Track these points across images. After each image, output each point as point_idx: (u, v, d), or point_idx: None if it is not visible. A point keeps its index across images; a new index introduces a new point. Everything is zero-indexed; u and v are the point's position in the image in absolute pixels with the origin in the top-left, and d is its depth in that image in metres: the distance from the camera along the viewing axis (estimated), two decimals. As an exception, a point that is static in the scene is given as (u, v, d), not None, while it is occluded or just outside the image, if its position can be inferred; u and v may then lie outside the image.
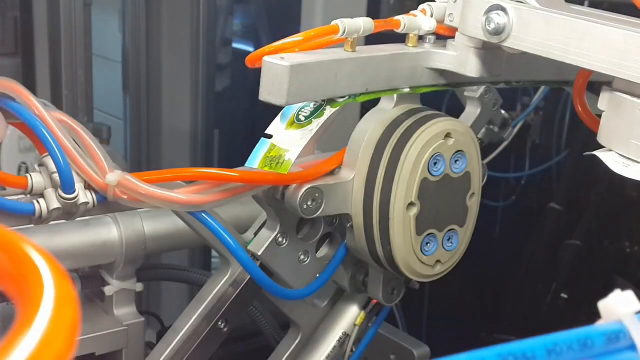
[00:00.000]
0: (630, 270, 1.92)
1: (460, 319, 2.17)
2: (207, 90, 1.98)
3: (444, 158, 0.80)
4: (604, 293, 0.38)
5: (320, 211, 0.78)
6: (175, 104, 2.01)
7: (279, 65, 0.66)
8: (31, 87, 1.62)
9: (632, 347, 0.37)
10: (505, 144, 1.75)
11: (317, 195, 0.78)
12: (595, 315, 0.39)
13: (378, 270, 0.87)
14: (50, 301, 0.29)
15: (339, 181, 0.80)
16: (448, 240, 0.84)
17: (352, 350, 0.96)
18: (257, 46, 2.12)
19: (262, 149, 0.70)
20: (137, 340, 1.02)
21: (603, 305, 0.38)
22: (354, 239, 0.83)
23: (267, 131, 0.72)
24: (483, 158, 0.85)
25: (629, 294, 0.38)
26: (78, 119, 0.91)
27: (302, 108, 0.72)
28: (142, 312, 1.06)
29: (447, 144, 0.80)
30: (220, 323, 0.90)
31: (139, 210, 0.98)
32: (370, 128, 0.80)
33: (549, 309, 2.04)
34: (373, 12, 1.94)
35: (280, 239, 0.83)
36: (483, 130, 0.97)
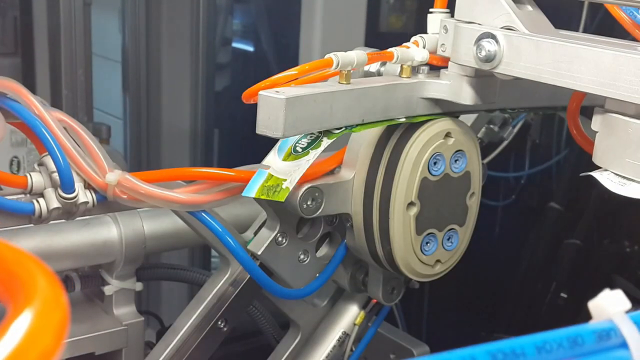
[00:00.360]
0: (630, 270, 1.93)
1: (460, 318, 2.18)
2: (206, 90, 1.98)
3: (443, 157, 0.80)
4: (604, 293, 0.39)
5: (320, 210, 0.78)
6: (175, 103, 2.01)
7: (274, 99, 0.67)
8: (31, 86, 1.62)
9: (623, 345, 0.37)
10: (505, 143, 1.75)
11: (316, 194, 0.78)
12: (594, 315, 0.39)
13: (377, 269, 0.87)
14: (37, 304, 0.28)
15: (338, 180, 0.80)
16: (448, 239, 0.84)
17: (351, 350, 0.96)
18: (257, 46, 2.12)
19: (259, 179, 0.71)
20: (136, 339, 1.02)
21: (593, 304, 0.38)
22: (354, 239, 0.83)
23: (264, 162, 0.73)
24: (483, 157, 0.85)
25: (618, 292, 0.38)
26: (78, 118, 0.91)
27: (298, 140, 0.73)
28: (141, 311, 1.06)
29: (446, 143, 0.80)
30: (219, 322, 0.90)
31: (138, 210, 0.98)
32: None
33: (548, 308, 2.04)
34: (373, 12, 1.95)
35: (279, 239, 0.83)
36: (483, 129, 0.97)
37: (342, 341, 0.96)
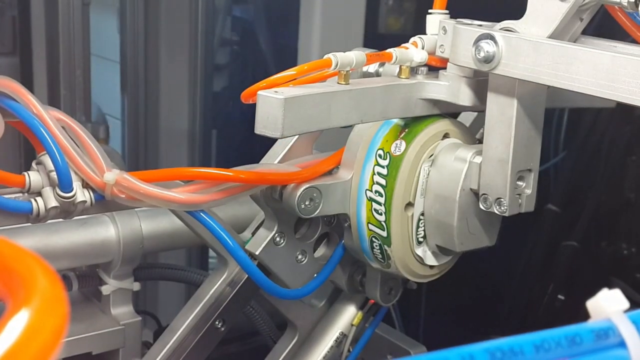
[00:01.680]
0: (627, 272, 1.92)
1: (457, 320, 2.17)
2: (204, 90, 1.98)
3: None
4: (602, 295, 0.39)
5: (318, 211, 0.79)
6: (173, 103, 2.01)
7: (273, 99, 0.67)
8: (29, 86, 1.61)
9: (621, 344, 0.38)
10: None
11: (314, 195, 0.78)
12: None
13: (375, 270, 0.87)
14: (36, 302, 0.28)
15: (336, 181, 0.80)
16: (446, 240, 0.84)
17: (349, 350, 0.97)
18: (255, 46, 2.12)
19: None
20: (133, 339, 1.03)
21: (591, 304, 0.38)
22: (352, 239, 0.83)
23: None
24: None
25: (617, 292, 0.38)
26: (76, 118, 0.91)
27: None
28: (138, 311, 1.06)
29: (445, 144, 0.80)
30: (217, 322, 0.90)
31: (136, 209, 0.98)
32: (368, 127, 0.80)
33: (545, 310, 2.04)
34: (371, 13, 1.95)
35: (277, 239, 0.83)
36: (481, 130, 0.96)
37: (339, 342, 0.96)
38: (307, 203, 0.78)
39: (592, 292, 0.40)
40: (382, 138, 0.80)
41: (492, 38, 0.70)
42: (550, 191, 2.15)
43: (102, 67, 2.12)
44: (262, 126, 0.68)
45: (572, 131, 2.08)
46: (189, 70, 1.96)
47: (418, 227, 0.80)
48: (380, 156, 0.79)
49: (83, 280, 1.02)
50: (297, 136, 0.86)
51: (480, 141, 0.95)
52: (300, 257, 0.86)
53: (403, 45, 0.79)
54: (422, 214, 0.80)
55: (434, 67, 0.80)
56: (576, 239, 1.99)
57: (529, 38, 0.69)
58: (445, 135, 0.80)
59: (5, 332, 0.27)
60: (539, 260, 2.08)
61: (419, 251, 0.81)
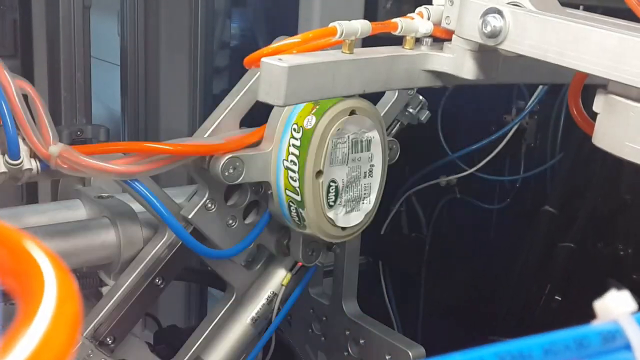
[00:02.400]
0: (624, 273, 1.93)
1: (455, 320, 2.19)
2: (204, 93, 1.99)
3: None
4: (598, 295, 0.39)
5: (241, 178, 0.86)
6: (173, 106, 2.01)
7: (277, 67, 0.67)
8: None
9: (628, 346, 0.37)
10: (500, 147, 1.79)
11: (237, 164, 0.85)
12: (588, 317, 0.38)
13: (297, 233, 0.94)
14: (52, 297, 0.28)
15: (258, 152, 0.87)
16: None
17: (279, 308, 1.04)
18: (255, 49, 2.15)
19: None
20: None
21: (599, 305, 0.37)
22: (274, 205, 0.90)
23: None
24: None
25: (625, 294, 0.38)
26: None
27: None
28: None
29: (351, 119, 0.87)
30: (157, 280, 0.97)
31: (137, 212, 1.00)
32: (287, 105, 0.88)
33: (542, 311, 2.04)
34: (370, 16, 1.97)
35: (209, 205, 0.91)
36: (401, 111, 1.04)
37: (270, 300, 1.03)
38: (230, 171, 0.85)
39: (589, 293, 0.41)
40: (297, 114, 0.87)
41: (499, 12, 0.68)
42: (547, 193, 2.17)
43: (103, 69, 2.14)
44: (265, 94, 0.68)
45: (568, 133, 2.09)
46: (189, 73, 1.96)
47: (328, 192, 0.88)
48: (294, 130, 0.87)
49: (83, 281, 1.02)
50: (225, 113, 0.95)
51: (401, 123, 1.03)
52: (230, 222, 0.93)
53: (408, 15, 0.78)
54: (332, 181, 0.88)
55: (439, 39, 0.79)
56: (573, 240, 2.00)
57: (537, 14, 0.67)
58: (352, 112, 0.87)
59: (31, 329, 0.27)
60: (535, 261, 2.08)
61: (331, 214, 0.89)
